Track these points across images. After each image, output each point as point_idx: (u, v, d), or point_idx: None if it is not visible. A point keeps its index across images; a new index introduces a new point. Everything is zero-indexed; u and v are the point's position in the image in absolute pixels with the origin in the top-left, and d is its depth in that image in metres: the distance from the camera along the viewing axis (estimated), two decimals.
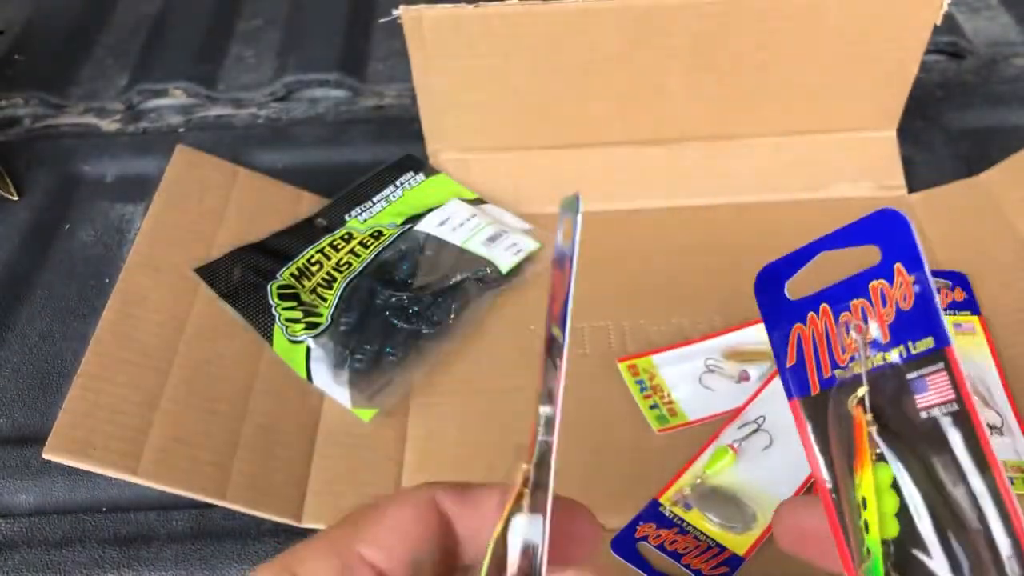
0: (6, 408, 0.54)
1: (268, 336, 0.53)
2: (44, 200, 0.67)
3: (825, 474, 0.24)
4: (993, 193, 0.61)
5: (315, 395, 0.52)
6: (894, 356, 0.24)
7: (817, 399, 0.24)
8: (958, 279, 0.56)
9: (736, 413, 0.50)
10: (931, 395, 0.23)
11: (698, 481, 0.47)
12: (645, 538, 0.45)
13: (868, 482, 0.23)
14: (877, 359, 0.24)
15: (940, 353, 0.23)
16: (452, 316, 0.55)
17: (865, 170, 0.64)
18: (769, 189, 0.63)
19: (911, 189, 0.63)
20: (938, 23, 0.56)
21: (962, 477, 0.22)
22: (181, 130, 0.73)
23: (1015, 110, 0.70)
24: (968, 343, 0.52)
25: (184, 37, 0.82)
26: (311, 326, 0.53)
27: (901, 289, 0.23)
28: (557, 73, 0.59)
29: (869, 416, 0.23)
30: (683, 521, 0.45)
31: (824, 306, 0.25)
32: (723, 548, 0.44)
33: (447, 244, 0.59)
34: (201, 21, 0.84)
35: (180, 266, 0.54)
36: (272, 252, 0.58)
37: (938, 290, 0.55)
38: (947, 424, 0.22)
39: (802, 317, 0.25)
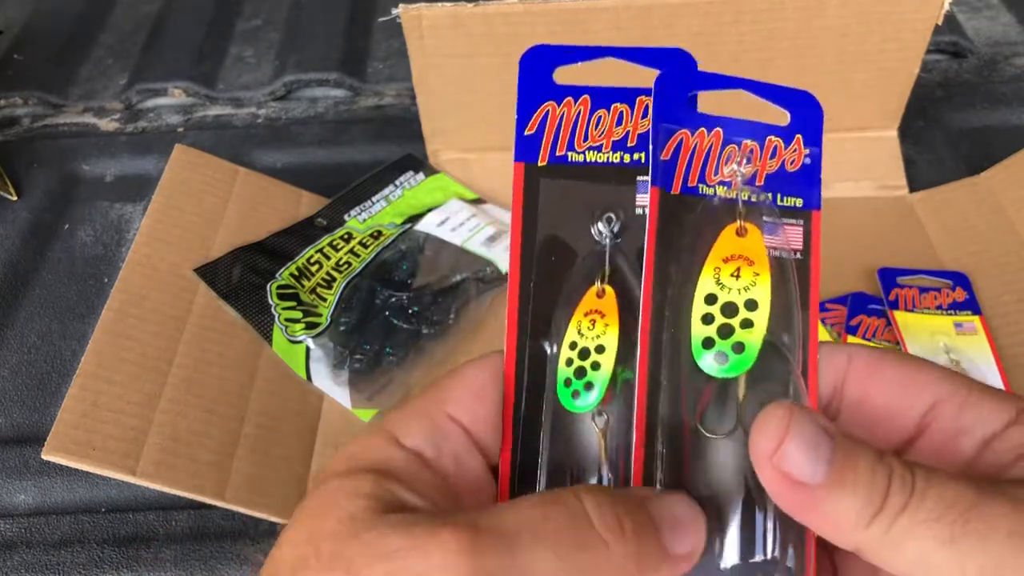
0: (5, 408, 0.54)
1: (267, 336, 0.53)
2: (43, 200, 0.66)
3: (654, 260, 0.27)
4: (994, 192, 0.61)
5: (315, 395, 0.52)
6: (759, 199, 0.27)
7: (674, 198, 0.27)
8: (959, 279, 0.56)
9: None
10: (779, 240, 0.27)
11: None
12: None
13: (764, 286, 0.26)
14: (744, 194, 0.27)
15: (805, 214, 0.27)
16: (452, 316, 0.55)
17: (866, 170, 0.64)
18: None
19: (912, 188, 0.63)
20: (939, 23, 0.56)
21: (798, 306, 0.26)
22: (180, 130, 0.73)
23: (1016, 110, 0.70)
24: (969, 343, 0.52)
25: (183, 37, 0.82)
26: (311, 326, 0.53)
27: (794, 154, 0.27)
28: None
29: (742, 224, 0.27)
30: None
31: (718, 129, 0.27)
32: None
33: (447, 244, 0.59)
34: (201, 21, 0.84)
35: (179, 266, 0.54)
36: (272, 252, 0.57)
37: (939, 289, 0.55)
38: (781, 266, 0.26)
39: (693, 127, 0.27)
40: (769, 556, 0.25)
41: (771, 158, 0.27)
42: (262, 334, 0.53)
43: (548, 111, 0.27)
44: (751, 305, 0.26)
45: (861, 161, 0.64)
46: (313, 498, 0.23)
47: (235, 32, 0.83)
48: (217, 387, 0.50)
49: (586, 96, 0.27)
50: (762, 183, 0.27)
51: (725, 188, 0.27)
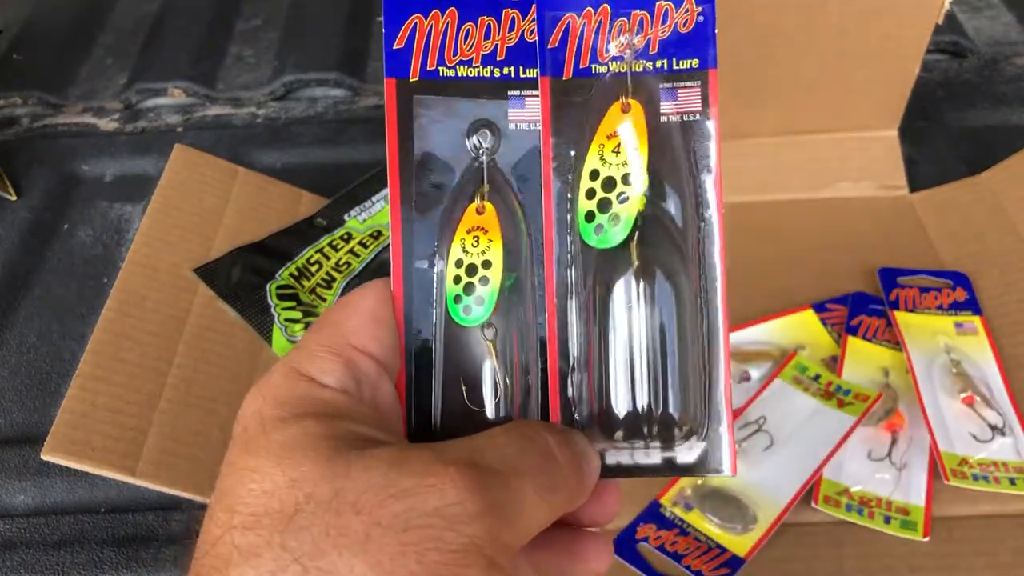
0: (4, 408, 0.53)
1: (267, 336, 0.53)
2: (43, 200, 0.66)
3: (553, 142, 0.27)
4: (994, 192, 0.61)
5: None
6: (655, 66, 0.27)
7: (567, 83, 0.27)
8: (960, 279, 0.56)
9: (737, 413, 0.50)
10: (676, 104, 0.27)
11: (699, 482, 0.47)
12: (646, 539, 0.45)
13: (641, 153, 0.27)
14: (638, 65, 0.27)
15: (701, 74, 0.27)
16: None
17: (866, 170, 0.63)
18: (769, 189, 0.63)
19: (912, 189, 0.63)
20: (940, 22, 0.56)
21: (690, 173, 0.27)
22: (180, 129, 0.73)
23: (1016, 109, 0.70)
24: (970, 343, 0.52)
25: (183, 37, 0.82)
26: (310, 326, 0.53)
27: (686, 15, 0.27)
28: None
29: (629, 102, 0.27)
30: (684, 522, 0.45)
31: (605, 6, 0.27)
32: (724, 549, 0.44)
33: None
34: (200, 21, 0.84)
35: (179, 266, 0.54)
36: (271, 252, 0.57)
37: (940, 290, 0.55)
38: (679, 129, 0.27)
39: (579, 9, 0.27)
40: (650, 404, 0.26)
41: (663, 24, 0.27)
42: (262, 334, 0.53)
43: (416, 23, 0.27)
44: (627, 179, 0.27)
45: (861, 161, 0.63)
46: (272, 445, 0.22)
47: (235, 32, 0.83)
48: (217, 387, 0.50)
49: (453, 8, 0.27)
50: (656, 51, 0.27)
51: (619, 63, 0.27)
